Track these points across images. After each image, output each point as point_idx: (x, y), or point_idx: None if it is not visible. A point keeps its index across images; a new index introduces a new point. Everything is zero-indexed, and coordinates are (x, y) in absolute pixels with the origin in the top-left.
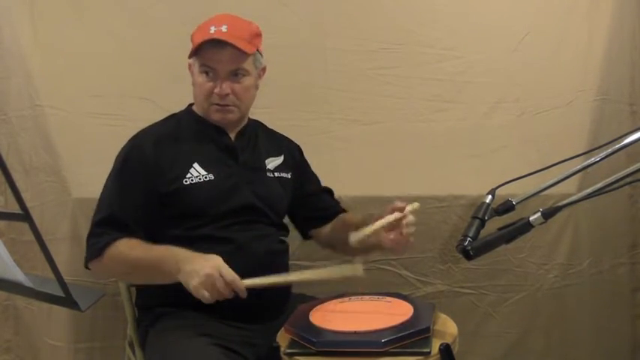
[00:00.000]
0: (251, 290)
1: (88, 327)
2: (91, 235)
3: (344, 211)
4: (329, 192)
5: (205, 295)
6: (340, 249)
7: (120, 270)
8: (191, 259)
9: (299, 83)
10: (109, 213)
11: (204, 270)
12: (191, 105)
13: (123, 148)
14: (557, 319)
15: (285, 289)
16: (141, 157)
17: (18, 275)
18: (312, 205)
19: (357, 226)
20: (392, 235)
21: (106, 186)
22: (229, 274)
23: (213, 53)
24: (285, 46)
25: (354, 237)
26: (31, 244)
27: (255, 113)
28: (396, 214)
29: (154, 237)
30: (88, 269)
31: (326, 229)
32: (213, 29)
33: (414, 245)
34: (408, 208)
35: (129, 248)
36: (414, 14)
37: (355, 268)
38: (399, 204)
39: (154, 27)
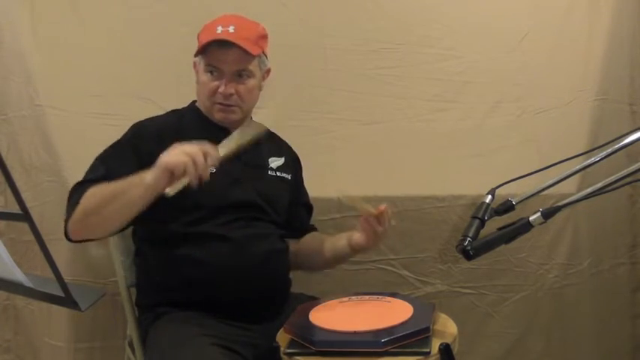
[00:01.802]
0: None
1: (88, 327)
2: (69, 196)
3: (314, 230)
4: (309, 209)
5: (181, 158)
6: (312, 264)
7: (93, 209)
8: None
9: (299, 83)
10: (93, 176)
11: (182, 146)
12: (194, 102)
13: (126, 132)
14: (557, 319)
15: (284, 289)
16: (142, 141)
17: (18, 275)
18: (292, 214)
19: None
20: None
21: (97, 157)
22: (206, 145)
23: (219, 53)
24: (285, 46)
25: None
26: (31, 244)
27: (255, 113)
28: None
29: (152, 233)
30: (69, 240)
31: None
32: (220, 29)
33: (413, 245)
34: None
35: (98, 188)
36: (413, 14)
37: (259, 125)
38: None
39: (153, 27)
